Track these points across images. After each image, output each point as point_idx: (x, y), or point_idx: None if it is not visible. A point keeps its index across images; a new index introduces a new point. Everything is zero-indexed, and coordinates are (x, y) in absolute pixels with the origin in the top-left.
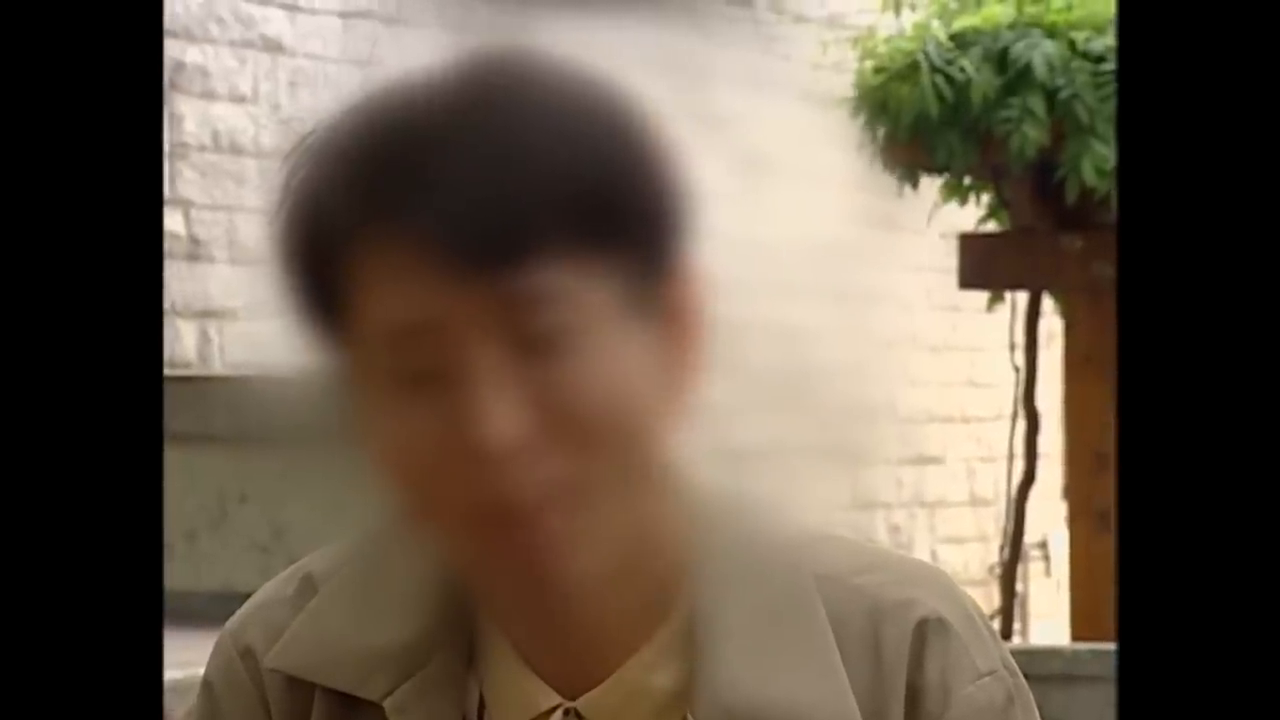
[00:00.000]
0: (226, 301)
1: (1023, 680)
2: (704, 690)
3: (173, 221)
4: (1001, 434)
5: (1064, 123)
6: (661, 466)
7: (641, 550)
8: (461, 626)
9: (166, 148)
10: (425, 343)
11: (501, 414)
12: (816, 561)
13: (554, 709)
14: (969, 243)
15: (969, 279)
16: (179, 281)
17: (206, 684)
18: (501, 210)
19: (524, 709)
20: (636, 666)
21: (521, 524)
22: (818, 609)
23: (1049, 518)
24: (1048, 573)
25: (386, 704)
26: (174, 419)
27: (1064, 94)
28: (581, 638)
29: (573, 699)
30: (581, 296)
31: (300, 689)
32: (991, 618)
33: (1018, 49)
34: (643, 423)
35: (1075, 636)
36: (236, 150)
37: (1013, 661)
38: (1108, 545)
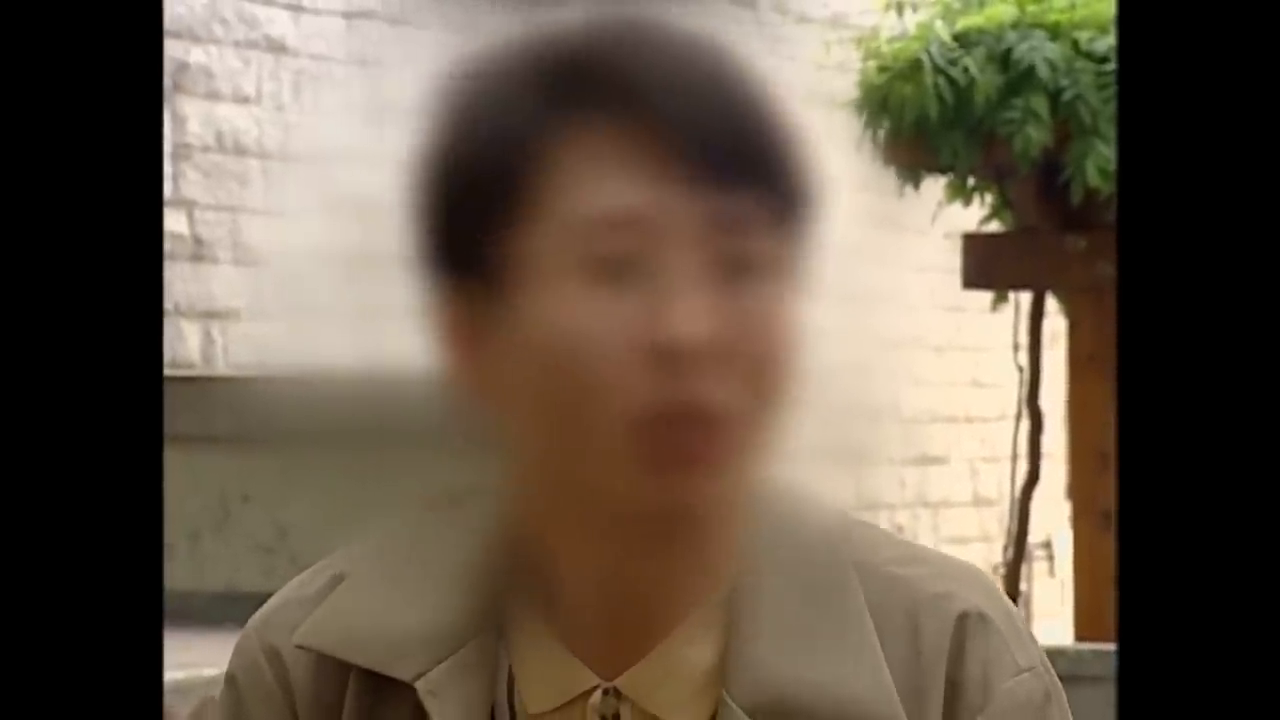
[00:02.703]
0: (230, 302)
1: (1056, 678)
2: (739, 668)
3: (176, 222)
4: (1005, 434)
5: (1068, 123)
6: (778, 431)
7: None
8: (494, 610)
9: (170, 148)
10: (634, 234)
11: (695, 315)
12: (855, 549)
13: (592, 690)
14: (973, 243)
15: (973, 279)
16: (182, 282)
17: (231, 679)
18: (733, 130)
19: (561, 691)
20: (676, 642)
21: (666, 439)
22: (856, 593)
23: (1053, 518)
24: (1051, 573)
25: (419, 685)
26: (177, 419)
27: (1067, 95)
28: (629, 606)
29: (610, 679)
30: (776, 236)
31: (329, 680)
32: None
33: (1021, 49)
34: (790, 366)
35: (1079, 636)
36: (240, 151)
37: (1046, 659)
38: (1111, 545)
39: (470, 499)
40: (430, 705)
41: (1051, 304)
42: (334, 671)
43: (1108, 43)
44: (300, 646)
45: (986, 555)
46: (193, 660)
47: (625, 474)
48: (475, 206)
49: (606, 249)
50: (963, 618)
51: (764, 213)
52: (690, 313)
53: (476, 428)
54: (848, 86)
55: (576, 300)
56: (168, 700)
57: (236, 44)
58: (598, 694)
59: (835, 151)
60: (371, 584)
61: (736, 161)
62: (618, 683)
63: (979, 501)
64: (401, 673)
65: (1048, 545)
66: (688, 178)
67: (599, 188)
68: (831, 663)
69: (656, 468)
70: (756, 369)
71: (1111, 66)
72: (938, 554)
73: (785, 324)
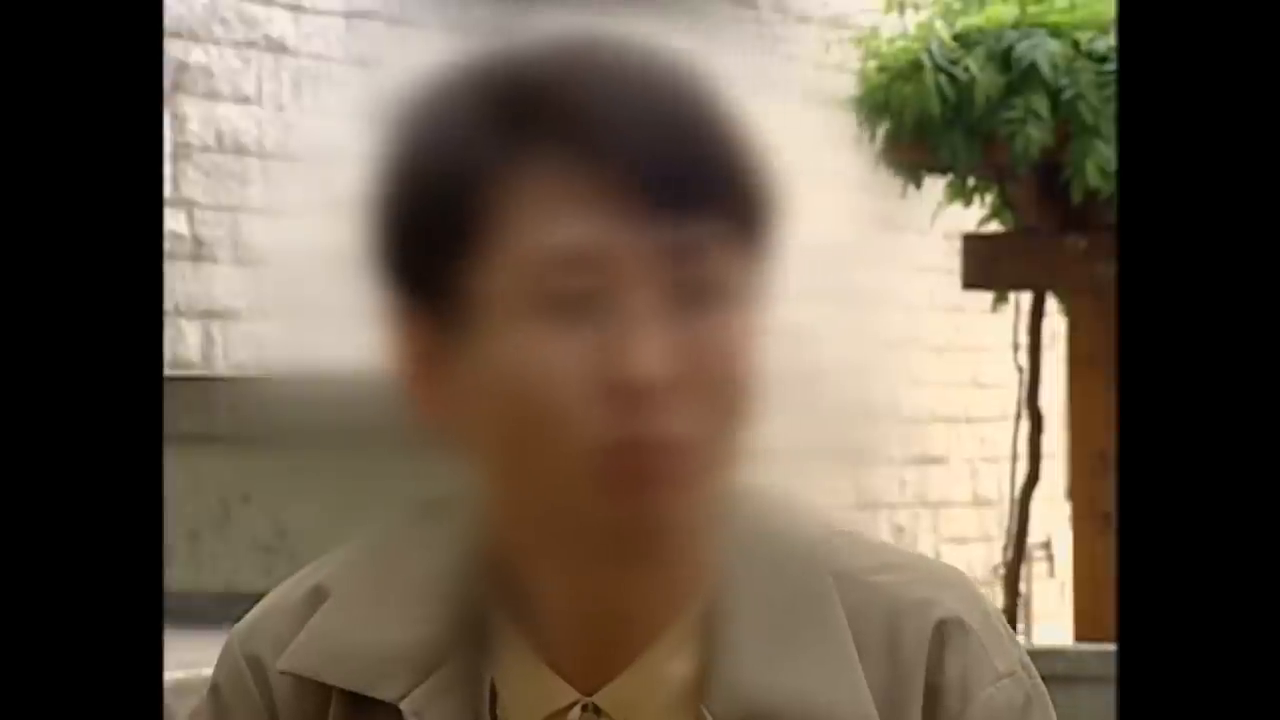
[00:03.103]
0: (230, 302)
1: (1040, 681)
2: (717, 681)
3: (176, 222)
4: (1005, 434)
5: (1068, 123)
6: (748, 433)
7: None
8: (476, 626)
9: (170, 148)
10: (589, 271)
11: (653, 351)
12: (834, 559)
13: (572, 705)
14: (972, 243)
15: (972, 279)
16: (182, 282)
17: (214, 688)
18: (686, 158)
19: (541, 706)
20: (655, 657)
21: (630, 470)
22: (834, 604)
23: (1052, 518)
24: (1051, 573)
25: (403, 705)
26: (177, 419)
27: (1068, 94)
28: (607, 622)
29: (590, 694)
30: (733, 259)
31: (312, 696)
32: None
33: (1021, 49)
34: (750, 387)
35: (1078, 637)
36: (240, 151)
37: (1030, 662)
38: (1111, 546)
39: (449, 511)
40: None
41: (1051, 304)
42: (317, 686)
43: (1108, 42)
44: (285, 672)
45: (986, 555)
46: (193, 660)
47: (586, 499)
48: (429, 241)
49: (560, 286)
50: (941, 624)
51: (721, 237)
52: (647, 349)
53: (444, 448)
54: (848, 86)
55: (532, 339)
56: (168, 700)
57: (236, 44)
58: (577, 709)
59: (834, 151)
60: (352, 603)
61: (691, 190)
62: (596, 698)
63: (979, 502)
64: (386, 694)
65: (1047, 546)
66: (641, 210)
67: (551, 224)
68: (809, 674)
69: (617, 492)
70: (717, 393)
71: (1112, 66)
72: (918, 559)
73: (745, 346)
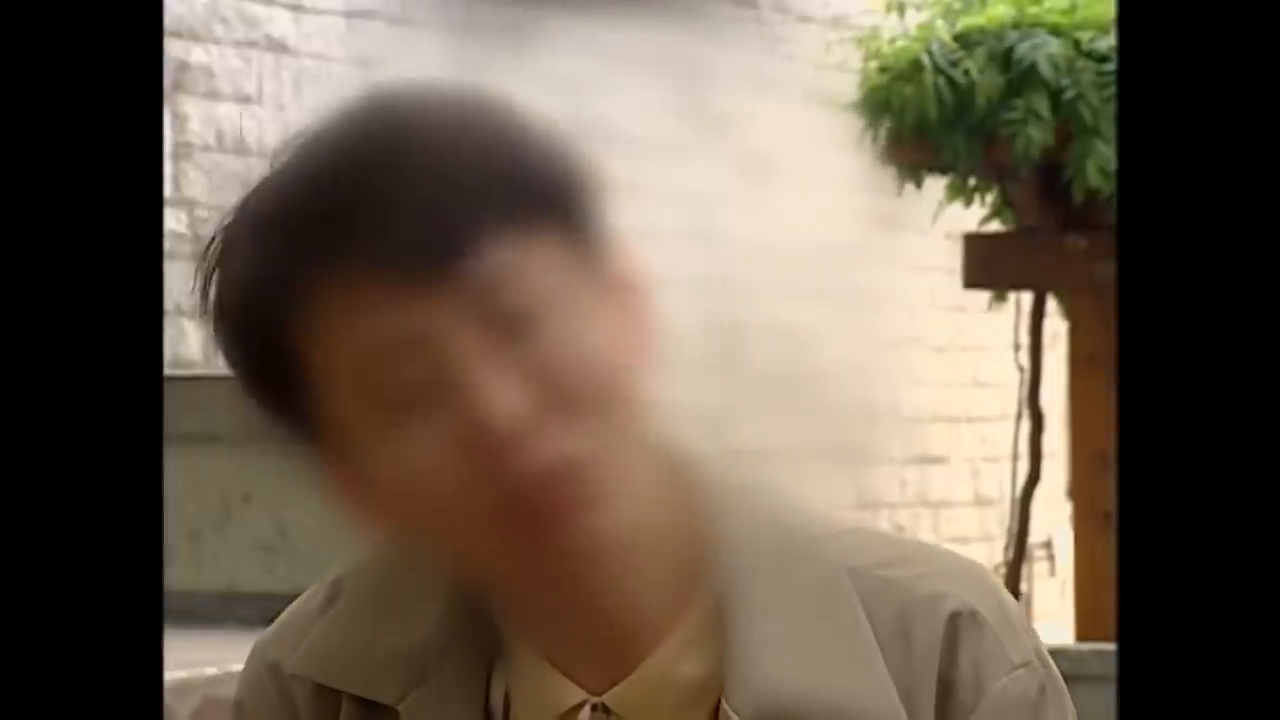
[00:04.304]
0: None
1: (1055, 670)
2: (738, 679)
3: (177, 221)
4: (1006, 434)
5: (1069, 123)
6: (645, 421)
7: (660, 535)
8: (482, 627)
9: (171, 148)
10: (408, 355)
11: (500, 393)
12: (846, 554)
13: (581, 705)
14: (973, 243)
15: (973, 279)
16: (182, 282)
17: (238, 703)
18: (425, 214)
19: (549, 708)
20: (663, 656)
21: (540, 504)
22: (853, 600)
23: (1053, 518)
24: (1052, 573)
25: (401, 708)
26: (178, 419)
27: (1068, 94)
28: (607, 628)
29: (598, 694)
30: (534, 277)
31: (327, 697)
32: None
33: (1022, 49)
34: (620, 382)
35: (1079, 636)
36: (241, 150)
37: (1045, 652)
38: (1111, 545)
39: None
40: None
41: (1052, 304)
42: (329, 690)
43: (1109, 42)
44: (293, 676)
45: (987, 555)
46: (193, 660)
47: (509, 547)
48: (266, 382)
49: (395, 377)
50: (954, 617)
51: (511, 258)
52: (494, 393)
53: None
54: (848, 86)
55: (388, 435)
56: (168, 700)
57: (237, 43)
58: (586, 709)
59: (834, 151)
60: (359, 606)
61: (445, 236)
62: (605, 698)
63: (979, 501)
64: (385, 697)
65: (1048, 545)
66: (413, 280)
67: (359, 330)
68: (831, 669)
69: (530, 533)
70: (577, 406)
71: (1111, 66)
72: (931, 551)
73: (582, 351)
